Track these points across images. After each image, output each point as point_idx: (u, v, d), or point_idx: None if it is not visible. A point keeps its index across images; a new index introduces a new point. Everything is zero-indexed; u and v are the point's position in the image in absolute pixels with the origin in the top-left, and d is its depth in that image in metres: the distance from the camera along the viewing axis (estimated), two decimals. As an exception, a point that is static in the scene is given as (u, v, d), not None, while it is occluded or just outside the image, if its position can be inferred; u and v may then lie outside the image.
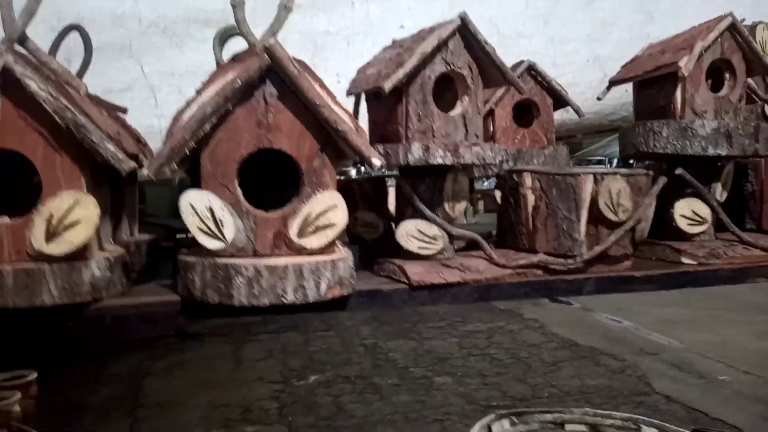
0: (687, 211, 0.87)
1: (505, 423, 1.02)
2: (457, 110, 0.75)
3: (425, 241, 0.73)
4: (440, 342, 4.90)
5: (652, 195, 0.78)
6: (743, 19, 1.24)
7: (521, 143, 1.01)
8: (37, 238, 0.55)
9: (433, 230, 0.74)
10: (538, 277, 0.76)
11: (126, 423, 3.26)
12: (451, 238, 0.76)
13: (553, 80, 1.02)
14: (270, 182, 0.65)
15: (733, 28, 0.85)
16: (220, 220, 0.58)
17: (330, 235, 0.61)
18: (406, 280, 0.70)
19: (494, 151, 0.75)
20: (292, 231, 0.60)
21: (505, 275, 0.74)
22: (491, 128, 1.02)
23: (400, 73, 0.68)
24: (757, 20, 1.29)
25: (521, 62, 1.00)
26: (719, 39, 0.85)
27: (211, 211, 0.57)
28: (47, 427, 3.25)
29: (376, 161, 0.61)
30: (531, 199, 0.79)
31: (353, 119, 0.67)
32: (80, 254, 0.56)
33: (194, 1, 1.06)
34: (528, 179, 0.79)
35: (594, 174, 0.75)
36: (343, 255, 0.63)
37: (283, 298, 0.57)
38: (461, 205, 0.77)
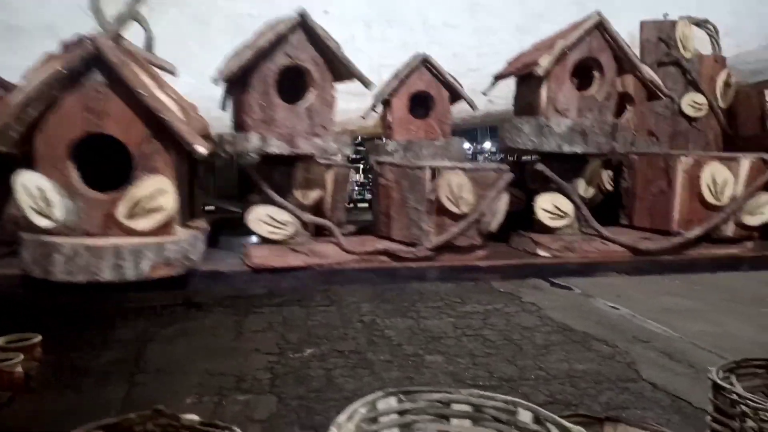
0: (548, 205, 0.89)
1: (392, 400, 1.06)
2: (303, 103, 0.78)
3: (275, 226, 0.78)
4: (436, 321, 4.96)
5: (497, 189, 0.81)
6: (666, 15, 1.24)
7: (416, 134, 1.04)
8: (122, 214, 0.63)
9: (284, 216, 0.78)
10: (383, 263, 0.79)
11: (124, 387, 3.42)
12: (304, 224, 0.80)
13: (448, 73, 1.04)
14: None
15: (601, 27, 0.86)
16: (50, 200, 0.63)
17: (158, 218, 0.66)
18: (248, 263, 0.75)
19: (340, 142, 0.79)
20: (120, 213, 0.65)
21: (350, 261, 0.78)
22: (389, 118, 1.05)
23: (234, 66, 0.72)
24: (686, 15, 1.28)
25: (417, 55, 1.02)
26: (587, 38, 0.86)
27: (42, 191, 0.63)
28: (49, 389, 3.44)
29: (200, 149, 0.65)
30: (388, 189, 0.83)
31: (184, 107, 0.71)
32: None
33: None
34: (386, 170, 0.83)
35: (433, 168, 0.78)
36: (177, 237, 0.68)
37: (97, 276, 0.62)
38: (315, 193, 0.81)
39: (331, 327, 4.69)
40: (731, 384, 1.27)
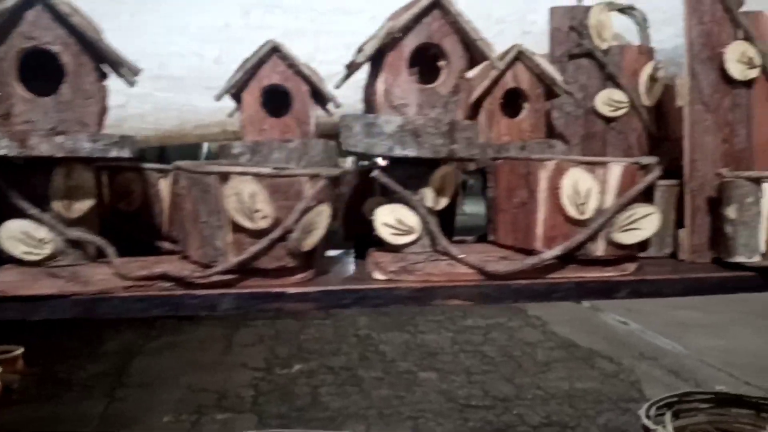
0: (390, 218, 0.75)
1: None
2: (55, 95, 0.66)
3: (31, 245, 0.66)
4: (434, 336, 4.80)
5: (308, 199, 0.67)
6: (581, 0, 1.08)
7: (269, 134, 0.91)
8: None
9: (41, 232, 0.66)
10: (164, 290, 0.67)
11: (104, 401, 3.36)
12: (74, 243, 0.68)
13: (305, 65, 0.91)
14: None
15: (440, 6, 0.71)
16: None
17: None
18: (-7, 289, 0.63)
19: (104, 141, 0.66)
20: None
21: (118, 288, 0.65)
22: (242, 116, 0.92)
23: None
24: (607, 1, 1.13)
25: (266, 42, 0.89)
26: (424, 19, 0.72)
27: None
28: (29, 402, 3.40)
29: None
30: (182, 200, 0.70)
31: None
32: None
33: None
34: (181, 177, 0.70)
35: (221, 173, 0.65)
36: None
37: None
38: (82, 204, 0.68)
39: (324, 341, 4.57)
40: (663, 425, 1.09)
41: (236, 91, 0.91)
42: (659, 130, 1.08)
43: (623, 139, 1.07)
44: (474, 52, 0.74)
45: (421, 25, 0.72)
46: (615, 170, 0.70)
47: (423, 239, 0.77)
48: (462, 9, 0.71)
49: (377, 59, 0.74)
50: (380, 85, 0.73)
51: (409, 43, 0.72)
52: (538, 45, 1.08)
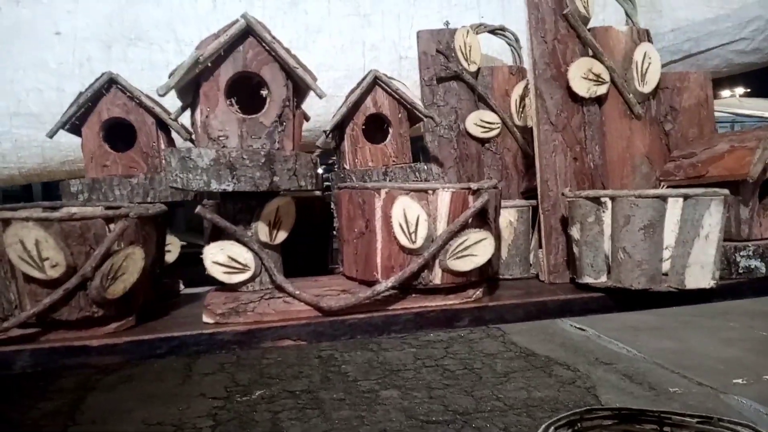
0: (221, 256, 0.68)
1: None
2: None
3: None
4: (397, 353, 4.71)
5: (106, 243, 0.60)
6: (447, 23, 1.04)
7: (112, 170, 0.84)
8: None
9: None
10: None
11: (54, 441, 3.19)
12: None
13: (147, 96, 0.84)
14: None
15: (254, 34, 0.66)
16: None
17: None
18: None
19: None
20: None
21: None
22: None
23: None
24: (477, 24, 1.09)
25: (102, 74, 0.83)
26: (240, 47, 0.66)
27: None
28: (-23, 445, 3.20)
29: None
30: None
31: None
32: None
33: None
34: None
35: (3, 219, 0.58)
36: None
37: None
38: None
39: (285, 365, 4.45)
40: (561, 445, 1.04)
41: (75, 127, 0.84)
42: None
43: (498, 159, 1.02)
44: (296, 81, 0.68)
45: (236, 53, 0.66)
46: (444, 197, 0.65)
47: (261, 276, 0.70)
48: (276, 37, 0.65)
49: (195, 90, 0.68)
50: (198, 116, 0.67)
51: (224, 73, 0.66)
52: (416, 70, 1.04)
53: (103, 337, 0.62)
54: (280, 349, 4.68)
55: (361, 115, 0.90)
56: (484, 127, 1.00)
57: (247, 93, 0.70)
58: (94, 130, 0.82)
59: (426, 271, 0.66)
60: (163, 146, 0.86)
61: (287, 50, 0.66)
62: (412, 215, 0.64)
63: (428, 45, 1.01)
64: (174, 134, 0.86)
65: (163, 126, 0.86)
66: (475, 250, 0.65)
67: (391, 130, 0.91)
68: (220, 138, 0.66)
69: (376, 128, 0.93)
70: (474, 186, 0.65)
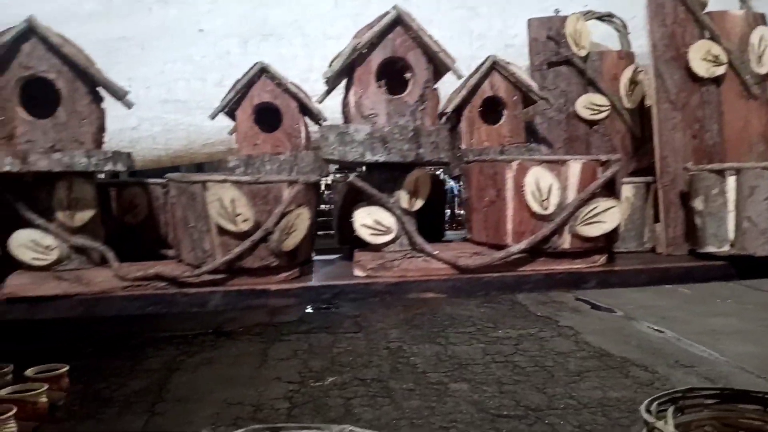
0: (368, 220, 0.79)
1: (257, 437, 0.98)
2: (52, 117, 0.73)
3: (39, 252, 0.73)
4: (465, 347, 4.76)
5: (285, 203, 0.72)
6: (557, 11, 1.12)
7: (262, 148, 0.97)
8: None
9: (48, 240, 0.73)
10: (159, 289, 0.72)
11: (144, 417, 3.46)
12: (78, 249, 0.75)
13: (291, 83, 0.96)
14: None
15: (402, 23, 0.76)
16: None
17: None
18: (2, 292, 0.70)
19: (98, 157, 0.73)
20: None
21: (117, 288, 0.71)
22: (237, 132, 0.99)
23: None
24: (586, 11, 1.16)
25: (255, 64, 0.96)
26: (388, 36, 0.77)
27: None
28: (72, 419, 3.53)
29: None
30: (174, 208, 0.76)
31: None
32: None
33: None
34: (172, 188, 0.76)
35: (204, 181, 0.71)
36: None
37: None
38: (84, 214, 0.75)
39: (356, 354, 4.59)
40: (665, 419, 1.09)
41: (231, 110, 0.98)
42: (642, 131, 1.09)
43: (607, 141, 1.08)
44: (437, 64, 0.78)
45: (386, 41, 0.77)
46: (574, 167, 0.73)
47: (401, 238, 0.81)
48: (422, 24, 0.75)
49: (348, 75, 0.79)
50: (352, 98, 0.78)
51: (376, 58, 0.77)
52: (522, 57, 1.12)
53: (277, 283, 0.74)
54: (350, 340, 4.83)
55: (478, 98, 0.99)
56: (594, 110, 1.06)
57: (389, 76, 0.80)
58: (247, 113, 0.95)
59: (556, 235, 0.74)
60: (302, 128, 0.98)
61: (431, 37, 0.76)
62: (544, 184, 0.73)
63: (538, 32, 1.09)
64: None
65: (303, 109, 0.98)
66: (604, 217, 0.73)
67: (506, 112, 1.00)
68: (371, 116, 0.76)
69: (490, 110, 1.01)
70: (603, 158, 0.72)
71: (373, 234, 0.79)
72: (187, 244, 0.75)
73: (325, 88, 0.98)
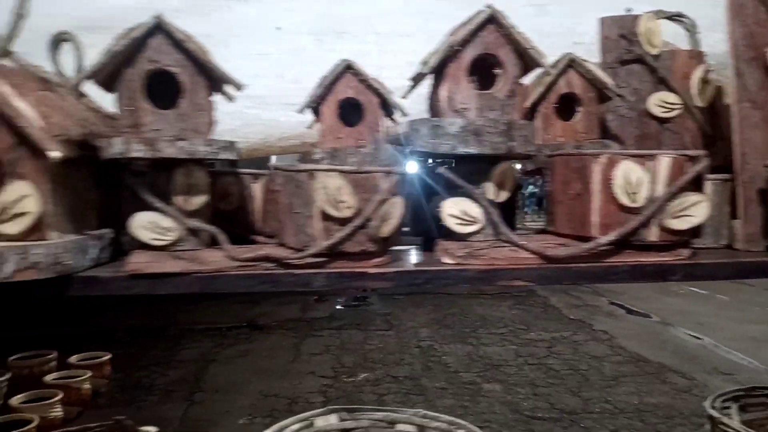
0: (455, 210, 0.84)
1: (333, 417, 1.03)
2: (175, 107, 0.80)
3: (158, 233, 0.79)
4: (497, 348, 4.78)
5: (383, 192, 0.77)
6: (629, 9, 1.15)
7: (345, 142, 1.02)
8: None
9: (166, 222, 0.79)
10: (267, 270, 0.78)
11: (183, 406, 3.57)
12: (192, 231, 0.81)
13: (375, 79, 1.02)
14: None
15: (494, 21, 0.81)
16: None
17: (25, 222, 0.70)
18: (126, 269, 0.76)
19: (216, 145, 0.79)
20: (-10, 219, 0.70)
21: (231, 267, 0.77)
22: (320, 127, 1.04)
23: (88, 73, 0.75)
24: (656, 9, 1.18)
25: (342, 61, 1.01)
26: (480, 33, 0.81)
27: None
28: (114, 405, 3.66)
29: (53, 153, 0.68)
30: (278, 194, 0.82)
31: (47, 114, 0.74)
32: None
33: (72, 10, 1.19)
34: (276, 176, 0.82)
35: (312, 170, 0.76)
36: (48, 242, 0.71)
37: (-39, 277, 0.66)
38: (198, 199, 0.82)
39: (387, 351, 4.64)
40: (730, 416, 1.11)
41: (315, 105, 1.03)
42: (713, 130, 1.12)
43: (678, 139, 1.11)
44: (527, 60, 0.82)
45: (478, 38, 0.81)
46: (664, 161, 0.76)
47: (486, 229, 0.85)
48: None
49: (440, 70, 0.84)
50: (443, 93, 0.83)
51: (468, 55, 0.82)
52: (589, 55, 1.15)
53: (374, 266, 0.79)
54: (381, 337, 4.89)
55: (554, 94, 1.03)
56: (665, 108, 1.09)
57: (477, 71, 0.85)
58: (331, 108, 1.01)
59: (643, 228, 0.77)
60: (382, 123, 1.03)
61: (521, 33, 0.80)
62: (634, 177, 0.76)
63: (610, 30, 1.12)
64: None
65: (384, 105, 1.03)
66: (692, 212, 0.76)
67: (581, 109, 1.03)
68: (462, 110, 0.81)
69: (565, 106, 1.05)
70: (692, 153, 0.76)
71: (459, 224, 0.84)
72: (290, 229, 0.81)
73: (394, 83, 1.04)
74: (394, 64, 1.14)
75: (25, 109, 0.69)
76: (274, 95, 1.22)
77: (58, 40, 0.95)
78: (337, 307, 5.75)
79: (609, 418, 3.59)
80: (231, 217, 0.99)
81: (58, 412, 3.09)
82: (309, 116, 1.09)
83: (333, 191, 0.76)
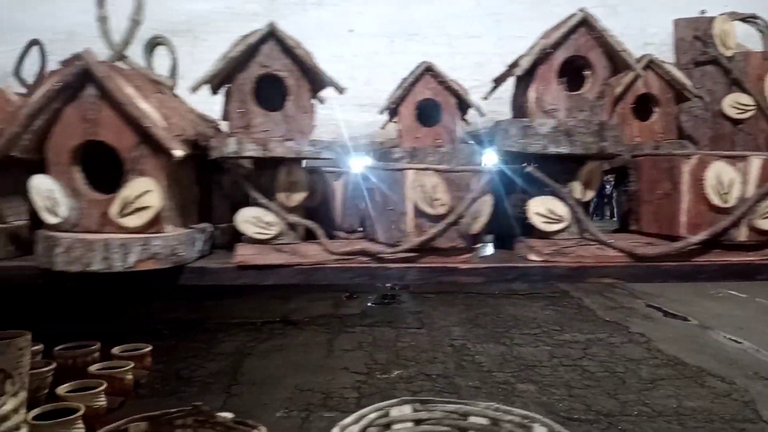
0: (542, 209, 0.87)
1: (406, 408, 1.07)
2: (281, 109, 0.84)
3: (261, 227, 0.84)
4: (531, 349, 4.78)
5: (475, 190, 0.81)
6: (704, 11, 1.16)
7: (423, 141, 1.06)
8: (114, 213, 0.74)
9: (269, 217, 0.84)
10: (363, 263, 0.82)
11: (222, 397, 3.65)
12: (291, 225, 0.86)
13: (452, 80, 1.05)
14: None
15: (587, 24, 0.83)
16: (57, 200, 0.74)
17: (146, 216, 0.75)
18: (234, 260, 0.81)
19: (319, 145, 0.83)
20: (113, 211, 0.75)
21: (330, 260, 0.82)
22: (398, 127, 1.08)
23: (206, 77, 0.80)
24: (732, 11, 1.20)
25: (421, 64, 1.05)
26: (572, 36, 0.84)
27: (51, 191, 0.74)
28: (155, 396, 3.77)
29: (176, 152, 0.73)
30: (372, 192, 0.86)
31: (168, 115, 0.79)
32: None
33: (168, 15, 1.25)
34: (370, 174, 0.86)
35: (408, 169, 0.80)
36: (166, 234, 0.77)
37: (89, 267, 0.71)
38: (298, 195, 0.86)
39: (420, 350, 4.67)
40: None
41: (394, 106, 1.08)
42: (788, 131, 1.13)
43: (751, 140, 1.13)
44: (617, 62, 0.85)
45: (570, 40, 0.84)
46: (755, 163, 0.78)
47: (571, 227, 0.88)
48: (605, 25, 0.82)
49: (529, 72, 0.87)
50: (532, 94, 0.86)
51: (559, 57, 0.85)
52: (661, 55, 1.17)
53: (463, 262, 0.83)
54: (413, 335, 4.92)
55: (632, 94, 1.05)
56: (740, 109, 1.11)
57: (565, 73, 0.88)
58: (410, 109, 1.05)
59: (733, 228, 0.79)
60: (459, 122, 1.07)
61: (613, 36, 0.83)
62: (726, 178, 0.78)
63: (685, 31, 1.14)
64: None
65: (460, 105, 1.07)
66: (781, 211, 0.78)
67: (658, 109, 1.05)
68: (552, 111, 0.84)
69: (642, 106, 1.07)
70: (783, 155, 0.78)
71: (545, 222, 0.87)
72: (383, 225, 0.85)
73: (464, 84, 1.07)
74: (464, 65, 1.17)
75: (150, 110, 0.74)
76: (346, 96, 1.26)
77: (153, 44, 1.00)
78: (369, 304, 5.80)
79: (647, 421, 3.56)
80: (314, 213, 1.04)
81: (102, 401, 3.20)
82: (379, 116, 1.13)
83: (429, 189, 0.80)
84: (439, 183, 0.80)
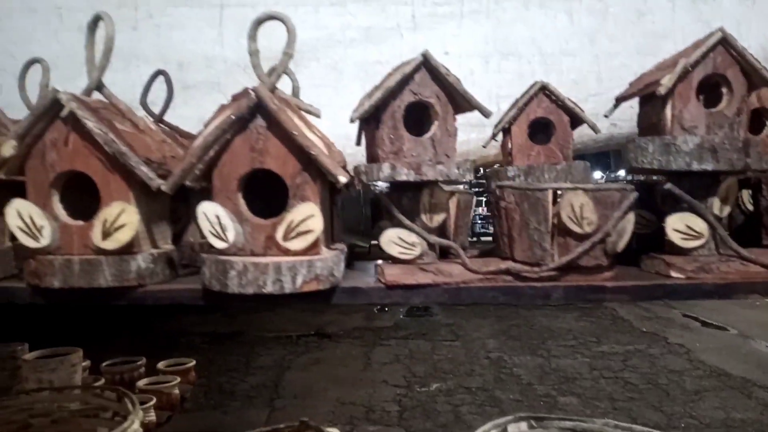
0: (680, 225, 0.88)
1: (523, 425, 1.08)
2: (427, 134, 0.87)
3: (405, 247, 0.86)
4: (569, 361, 4.75)
5: (622, 209, 0.82)
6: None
7: (536, 159, 1.08)
8: (96, 236, 0.78)
9: (412, 238, 0.86)
10: (507, 282, 0.84)
11: (266, 410, 3.68)
12: (431, 245, 0.88)
13: (567, 99, 1.07)
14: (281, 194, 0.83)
15: (726, 43, 0.85)
16: (224, 225, 0.77)
17: (309, 239, 0.77)
18: (383, 280, 0.83)
19: (464, 168, 0.86)
20: (279, 235, 0.78)
21: (474, 279, 0.83)
22: (509, 145, 1.11)
23: (367, 105, 0.83)
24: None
25: (535, 83, 1.08)
26: (710, 54, 0.86)
27: (218, 218, 0.77)
28: (200, 410, 3.79)
29: (341, 179, 0.75)
30: (509, 211, 0.88)
31: (328, 143, 0.82)
32: (127, 249, 0.79)
33: (268, 42, 1.29)
34: (506, 194, 0.88)
35: (554, 189, 0.82)
36: (325, 256, 0.79)
37: (263, 289, 0.74)
38: (440, 216, 0.88)
39: (457, 362, 4.67)
40: None
41: (508, 126, 1.10)
42: None
43: None
44: (754, 79, 0.87)
45: (708, 59, 0.86)
46: None
47: (709, 243, 0.89)
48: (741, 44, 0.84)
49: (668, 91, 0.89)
50: (669, 111, 0.88)
51: (697, 75, 0.87)
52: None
53: (608, 280, 0.84)
54: (449, 348, 4.92)
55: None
56: None
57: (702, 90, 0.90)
58: (522, 128, 1.07)
59: None
60: (572, 140, 1.09)
61: (752, 55, 0.85)
62: None
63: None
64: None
65: (573, 123, 1.09)
66: None
67: (770, 123, 1.07)
68: (691, 128, 0.86)
69: (754, 121, 1.08)
70: None
71: (684, 238, 0.89)
72: (524, 244, 0.87)
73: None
74: (560, 82, 1.19)
75: (316, 140, 0.77)
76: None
77: (278, 73, 1.03)
78: (401, 316, 5.81)
79: (697, 435, 3.53)
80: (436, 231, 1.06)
81: (151, 416, 3.22)
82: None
83: (577, 208, 0.81)
84: (586, 202, 0.82)
